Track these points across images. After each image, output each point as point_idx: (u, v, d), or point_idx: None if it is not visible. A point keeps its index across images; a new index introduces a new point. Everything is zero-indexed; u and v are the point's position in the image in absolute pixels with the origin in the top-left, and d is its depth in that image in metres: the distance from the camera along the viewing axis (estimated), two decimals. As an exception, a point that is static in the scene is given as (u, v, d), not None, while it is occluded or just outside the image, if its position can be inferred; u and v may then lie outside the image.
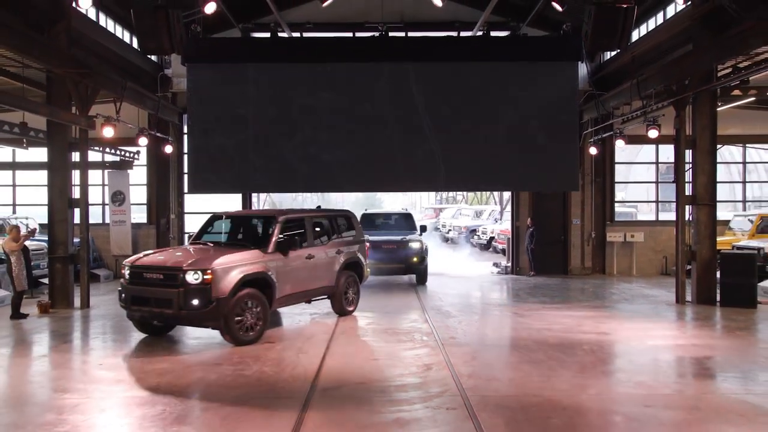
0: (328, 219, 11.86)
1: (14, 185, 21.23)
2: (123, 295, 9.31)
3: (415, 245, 15.51)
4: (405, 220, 17.92)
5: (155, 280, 9.02)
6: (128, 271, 9.36)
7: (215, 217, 11.31)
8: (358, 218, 13.88)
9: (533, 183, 14.87)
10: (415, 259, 15.32)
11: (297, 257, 10.26)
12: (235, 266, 9.05)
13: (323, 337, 9.72)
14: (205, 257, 9.13)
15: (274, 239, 9.90)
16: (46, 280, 13.61)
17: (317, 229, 11.30)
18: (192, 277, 8.61)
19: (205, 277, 8.60)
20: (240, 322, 8.93)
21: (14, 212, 20.48)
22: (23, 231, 13.51)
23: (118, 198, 18.29)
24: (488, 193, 36.44)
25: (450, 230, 30.64)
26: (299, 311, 11.74)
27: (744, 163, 21.56)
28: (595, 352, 8.72)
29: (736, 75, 12.64)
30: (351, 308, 11.66)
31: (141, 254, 10.07)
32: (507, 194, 24.16)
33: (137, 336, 9.73)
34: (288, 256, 9.99)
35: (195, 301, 8.56)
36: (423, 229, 17.03)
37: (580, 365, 8.00)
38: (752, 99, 15.68)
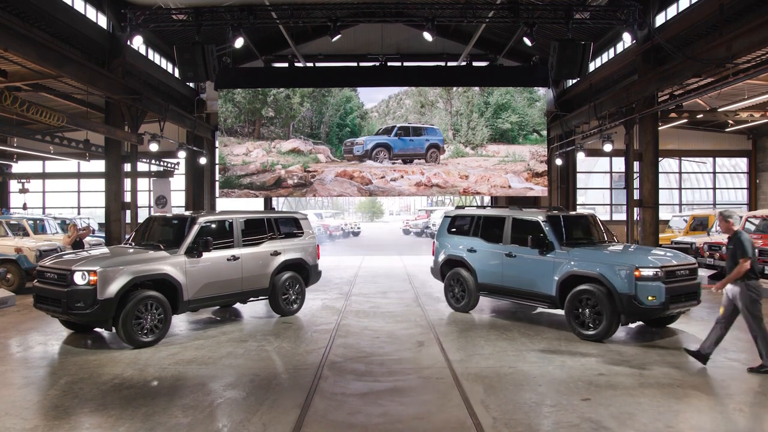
0: (266, 221, 9.82)
1: (79, 191, 21.62)
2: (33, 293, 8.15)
3: None
4: (596, 224, 9.77)
5: (52, 280, 7.75)
6: (38, 270, 8.19)
7: (150, 219, 9.66)
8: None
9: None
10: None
11: (215, 259, 8.68)
12: (126, 267, 7.63)
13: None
14: (99, 258, 7.77)
15: (186, 241, 8.39)
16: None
17: (248, 231, 9.40)
18: (79, 278, 7.39)
19: (91, 278, 7.35)
20: (139, 324, 7.64)
21: (79, 213, 20.72)
22: (80, 226, 13.68)
23: (161, 201, 18.40)
24: (471, 197, 36.55)
25: (439, 228, 30.57)
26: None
27: (680, 172, 21.84)
28: (559, 329, 8.79)
29: (672, 101, 12.83)
30: (294, 308, 9.93)
31: (57, 254, 9.06)
32: (487, 199, 24.26)
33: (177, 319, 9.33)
34: (201, 258, 8.44)
35: (80, 302, 7.33)
36: None
37: (547, 341, 8.02)
38: (685, 120, 16.05)
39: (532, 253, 8.88)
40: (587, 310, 8.05)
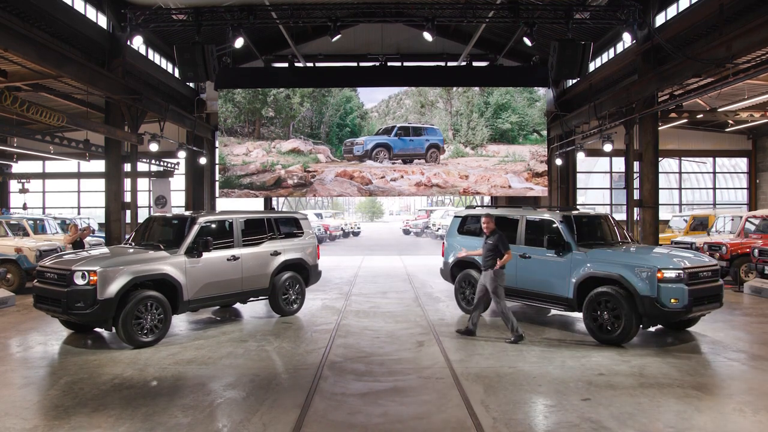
0: (265, 221, 9.79)
1: (79, 191, 21.67)
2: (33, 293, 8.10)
3: None
4: (612, 225, 9.43)
5: (52, 280, 7.71)
6: (38, 270, 8.14)
7: (150, 219, 9.61)
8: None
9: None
10: None
11: (215, 259, 8.67)
12: (126, 267, 7.61)
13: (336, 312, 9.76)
14: (99, 258, 7.75)
15: (186, 241, 8.38)
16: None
17: (248, 231, 9.37)
18: (79, 278, 7.37)
19: (91, 278, 7.33)
20: (139, 324, 7.62)
21: (79, 213, 20.77)
22: (80, 226, 13.73)
23: (161, 201, 18.42)
24: (471, 197, 36.55)
25: (439, 228, 30.62)
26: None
27: (680, 172, 21.86)
28: (560, 329, 8.79)
29: (672, 101, 12.86)
30: (294, 308, 9.93)
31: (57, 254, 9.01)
32: (487, 198, 24.27)
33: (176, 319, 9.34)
34: (202, 258, 8.42)
35: (80, 302, 7.31)
36: None
37: (547, 341, 8.01)
38: (685, 120, 16.11)
39: (548, 254, 8.60)
40: (606, 313, 7.74)
